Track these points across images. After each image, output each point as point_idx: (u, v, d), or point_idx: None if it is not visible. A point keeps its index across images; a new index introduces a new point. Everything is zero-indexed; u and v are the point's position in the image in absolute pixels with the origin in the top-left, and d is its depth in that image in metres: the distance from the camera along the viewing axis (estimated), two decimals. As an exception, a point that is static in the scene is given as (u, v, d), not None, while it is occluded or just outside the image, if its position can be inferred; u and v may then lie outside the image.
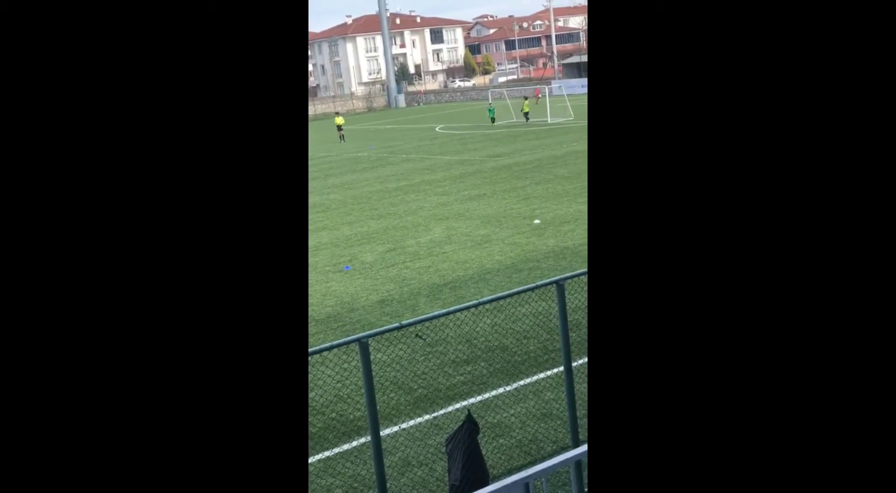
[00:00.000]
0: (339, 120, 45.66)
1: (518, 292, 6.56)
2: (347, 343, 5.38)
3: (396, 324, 5.52)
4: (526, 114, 42.19)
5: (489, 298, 6.46)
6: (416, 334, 8.47)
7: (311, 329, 10.80)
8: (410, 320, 5.81)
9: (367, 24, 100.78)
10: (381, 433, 6.08)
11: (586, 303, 8.13)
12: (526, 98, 45.57)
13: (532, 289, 6.53)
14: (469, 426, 5.70)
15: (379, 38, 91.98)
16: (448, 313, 6.43)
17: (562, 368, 7.79)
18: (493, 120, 42.17)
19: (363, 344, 5.27)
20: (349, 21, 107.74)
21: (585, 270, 7.41)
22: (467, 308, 6.39)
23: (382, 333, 5.71)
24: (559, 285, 5.95)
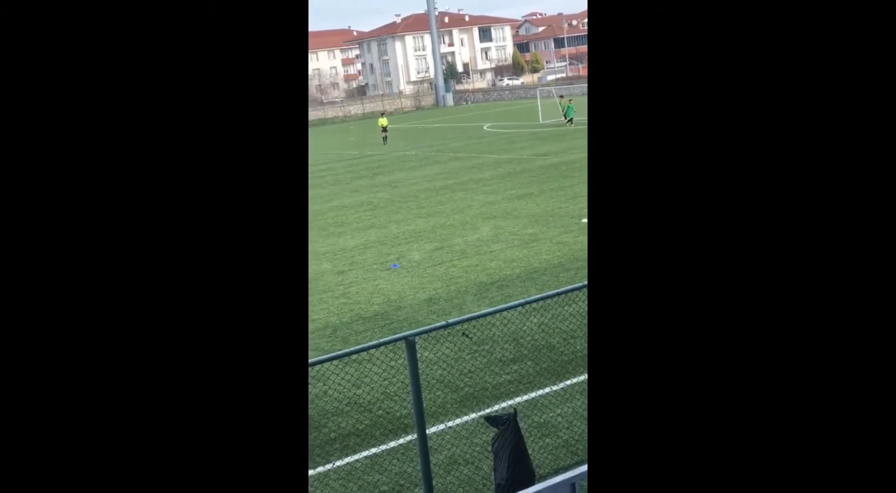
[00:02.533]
0: (384, 121, 44.44)
1: (566, 292, 6.53)
2: (394, 341, 5.40)
3: (443, 322, 5.53)
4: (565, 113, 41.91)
5: (536, 297, 6.44)
6: (463, 332, 8.48)
7: (360, 327, 10.87)
8: (457, 319, 5.81)
9: (416, 23, 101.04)
10: (428, 431, 6.10)
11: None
12: (563, 96, 45.22)
13: (580, 288, 6.49)
14: (515, 425, 5.69)
15: (427, 37, 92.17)
16: (495, 312, 6.42)
17: (609, 368, 7.69)
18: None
19: (410, 342, 5.29)
20: (398, 20, 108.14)
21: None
22: (514, 307, 6.37)
23: (429, 331, 5.73)
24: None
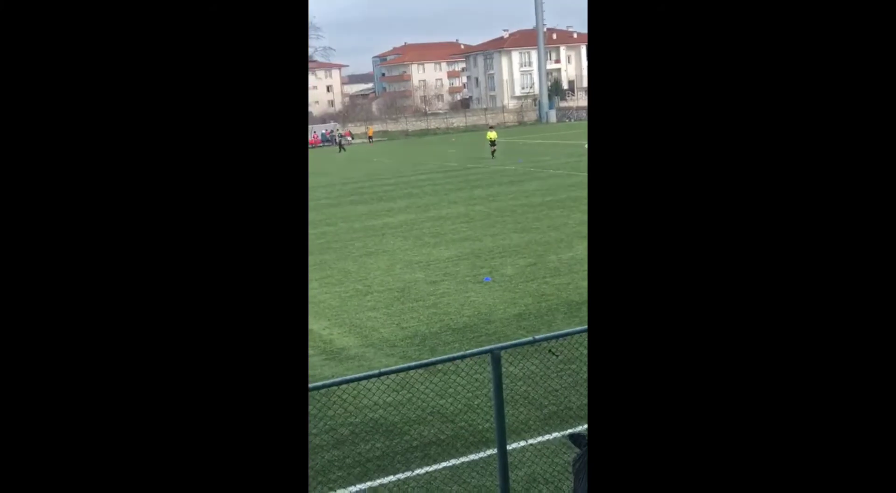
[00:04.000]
0: (492, 135, 43.56)
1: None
2: (480, 354, 5.41)
3: (530, 338, 5.50)
4: None
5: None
6: (549, 350, 8.42)
7: (448, 338, 10.92)
8: (544, 335, 5.77)
9: (523, 39, 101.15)
10: (509, 447, 6.07)
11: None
12: None
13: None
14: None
15: (534, 53, 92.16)
16: (585, 331, 6.35)
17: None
18: None
19: (495, 356, 5.28)
20: (505, 35, 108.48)
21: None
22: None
23: (515, 346, 5.71)
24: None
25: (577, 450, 5.80)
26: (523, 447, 7.24)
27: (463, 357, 5.30)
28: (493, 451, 6.98)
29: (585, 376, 8.83)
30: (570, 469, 5.99)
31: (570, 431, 7.50)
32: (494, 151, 41.38)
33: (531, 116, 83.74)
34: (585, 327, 6.40)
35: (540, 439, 7.48)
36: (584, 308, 11.84)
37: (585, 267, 14.46)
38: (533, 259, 15.56)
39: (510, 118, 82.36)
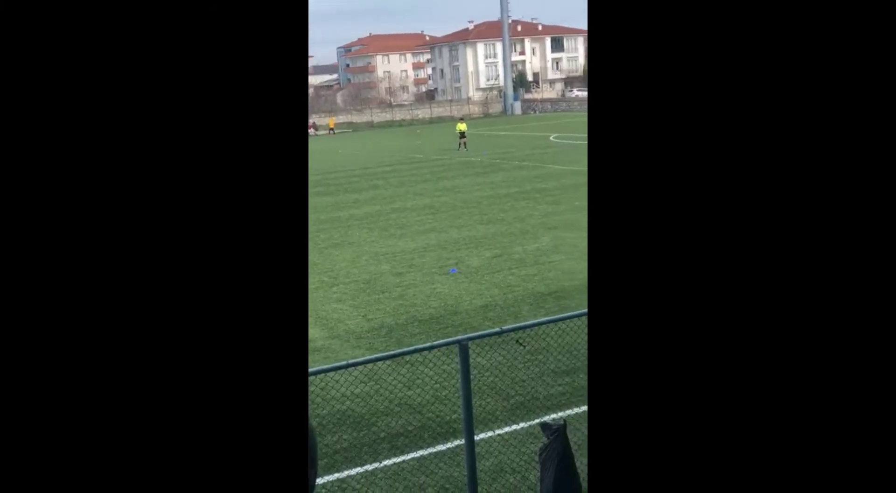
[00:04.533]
0: (462, 126, 42.74)
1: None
2: (448, 344, 5.42)
3: (497, 329, 5.53)
4: None
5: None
6: (517, 341, 8.46)
7: (415, 329, 10.92)
8: (512, 326, 5.80)
9: (489, 30, 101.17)
10: (476, 438, 6.09)
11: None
12: None
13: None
14: (564, 436, 5.65)
15: (499, 45, 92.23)
16: (551, 322, 6.39)
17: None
18: None
19: (463, 346, 5.30)
20: (470, 26, 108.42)
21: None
22: (571, 318, 6.33)
23: (483, 336, 5.73)
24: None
25: (544, 440, 5.85)
26: (490, 437, 7.28)
27: (431, 348, 5.31)
28: (460, 441, 7.00)
29: (552, 366, 8.89)
30: (537, 459, 6.03)
31: (539, 420, 7.55)
32: (465, 142, 41.02)
33: (496, 107, 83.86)
34: (552, 317, 6.44)
35: (507, 429, 7.52)
36: (550, 299, 11.90)
37: (551, 258, 14.55)
38: (499, 251, 15.61)
39: (475, 110, 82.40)
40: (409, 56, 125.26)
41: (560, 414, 7.68)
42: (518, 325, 5.94)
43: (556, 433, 5.59)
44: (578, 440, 6.90)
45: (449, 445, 7.23)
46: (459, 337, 5.40)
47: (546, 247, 15.67)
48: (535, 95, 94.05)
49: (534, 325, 5.98)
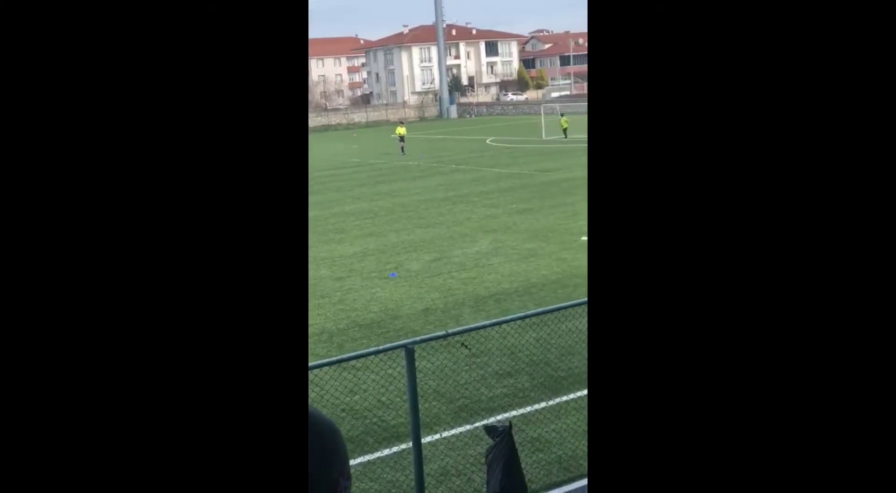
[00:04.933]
0: (402, 130, 42.20)
1: (566, 307, 6.55)
2: (393, 349, 5.41)
3: (443, 332, 5.54)
4: (565, 130, 41.94)
5: (536, 311, 6.46)
6: (462, 344, 8.49)
7: (356, 334, 10.87)
8: (457, 329, 5.82)
9: (423, 34, 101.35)
10: (421, 441, 6.09)
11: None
12: (563, 114, 45.39)
13: (579, 305, 6.51)
14: (510, 437, 5.69)
15: (434, 49, 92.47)
16: (495, 324, 6.43)
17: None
18: None
19: (409, 350, 5.30)
20: (405, 30, 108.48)
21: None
22: (514, 320, 6.39)
23: (429, 340, 5.74)
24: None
25: (490, 441, 5.87)
26: (435, 440, 7.29)
27: (376, 353, 5.30)
28: (405, 445, 6.99)
29: (494, 368, 8.94)
30: (484, 461, 6.06)
31: (483, 422, 7.58)
32: (403, 146, 40.80)
33: (432, 111, 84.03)
34: (496, 320, 6.49)
35: (451, 432, 7.54)
36: (491, 302, 11.97)
37: (490, 261, 14.64)
38: (438, 254, 15.64)
39: (411, 114, 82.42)
40: (343, 60, 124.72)
41: (504, 416, 7.72)
42: (464, 328, 5.96)
43: (502, 434, 5.63)
44: (521, 441, 6.95)
45: (394, 449, 7.21)
46: (405, 341, 5.40)
47: (485, 250, 15.76)
48: (470, 98, 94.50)
49: (479, 328, 6.01)
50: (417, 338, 5.63)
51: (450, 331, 5.61)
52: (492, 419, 7.63)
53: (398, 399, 7.72)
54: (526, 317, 6.27)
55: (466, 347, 8.44)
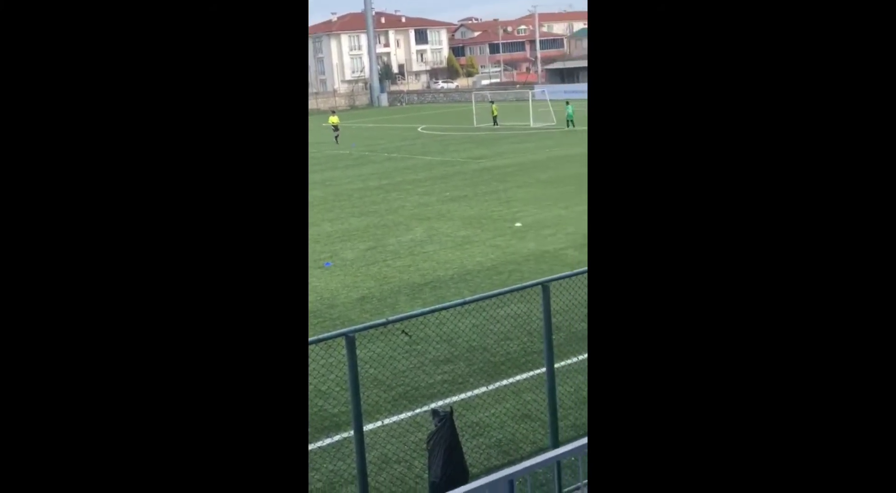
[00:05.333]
0: (334, 119, 41.59)
1: (503, 293, 6.60)
2: (334, 337, 5.39)
3: (383, 319, 5.54)
4: (495, 118, 42.13)
5: (474, 297, 6.50)
6: (403, 331, 8.50)
7: (291, 324, 10.78)
8: (398, 316, 5.82)
9: (352, 22, 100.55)
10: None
11: (568, 305, 8.18)
12: (493, 102, 45.59)
13: (518, 290, 6.58)
14: (451, 423, 5.73)
15: (363, 37, 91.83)
16: (432, 311, 6.46)
17: (541, 369, 7.83)
18: (571, 123, 36.97)
19: (349, 338, 5.29)
20: (334, 18, 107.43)
21: (569, 273, 7.46)
22: (452, 307, 6.42)
23: (369, 328, 5.73)
24: (544, 286, 6.00)
25: (431, 427, 5.91)
26: (375, 428, 7.29)
27: (316, 342, 5.27)
28: (344, 435, 6.98)
29: (433, 356, 8.97)
30: (426, 446, 6.09)
31: (422, 409, 7.61)
32: (338, 136, 40.16)
33: (363, 99, 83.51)
34: (435, 307, 6.51)
35: (390, 420, 7.55)
36: (427, 289, 12.00)
37: (425, 249, 14.65)
38: (373, 243, 15.60)
39: (342, 102, 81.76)
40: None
41: (443, 402, 7.77)
42: (403, 315, 5.97)
43: (444, 419, 5.67)
44: (461, 427, 7.01)
45: (333, 439, 7.19)
46: (345, 329, 5.39)
47: (419, 238, 15.78)
48: (401, 86, 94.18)
49: (419, 314, 6.03)
50: (358, 326, 5.62)
51: (390, 318, 5.62)
52: (430, 406, 7.67)
53: (337, 388, 7.70)
54: (466, 303, 6.31)
55: (407, 334, 8.46)
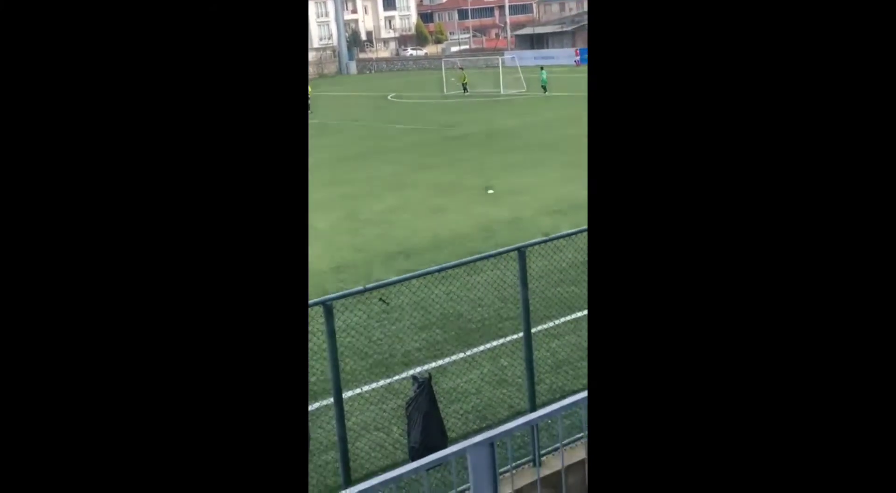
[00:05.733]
0: (308, 89, 42.30)
1: (480, 259, 6.64)
2: (312, 306, 5.39)
3: (361, 287, 5.56)
4: (465, 85, 41.96)
5: (451, 263, 6.52)
6: (381, 298, 8.52)
7: (265, 294, 10.76)
8: (374, 284, 5.84)
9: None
10: (340, 397, 6.12)
11: (542, 271, 8.24)
12: (462, 68, 45.38)
13: (494, 256, 6.61)
14: (429, 389, 5.78)
15: (330, 3, 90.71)
16: (409, 279, 6.47)
17: (515, 335, 7.91)
18: (545, 88, 37.33)
19: (327, 307, 5.30)
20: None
21: (543, 238, 7.50)
22: (428, 273, 6.44)
23: (346, 296, 5.75)
24: (521, 252, 6.04)
25: (410, 394, 5.96)
26: (352, 396, 7.33)
27: (294, 311, 5.28)
28: (322, 403, 7.02)
29: (407, 323, 9.01)
30: (404, 413, 6.15)
31: (399, 376, 7.67)
32: (309, 105, 39.87)
33: (331, 68, 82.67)
34: (412, 273, 6.53)
35: (367, 387, 7.59)
36: (400, 257, 12.02)
37: (398, 217, 14.63)
38: (345, 212, 15.56)
39: (310, 71, 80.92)
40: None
41: (419, 369, 7.82)
42: (381, 282, 5.98)
43: (423, 385, 5.72)
44: (437, 393, 7.07)
45: (314, 406, 7.23)
46: (323, 298, 5.40)
47: (392, 206, 15.76)
48: (369, 54, 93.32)
49: (396, 282, 6.05)
50: (335, 294, 5.64)
51: (368, 285, 5.63)
52: (406, 373, 7.72)
53: (313, 357, 7.72)
54: (443, 269, 6.34)
55: (385, 301, 8.48)
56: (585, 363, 4.04)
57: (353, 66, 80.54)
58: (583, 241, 7.42)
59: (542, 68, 40.33)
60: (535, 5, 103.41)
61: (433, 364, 8.03)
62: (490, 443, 3.85)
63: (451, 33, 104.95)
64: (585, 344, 3.96)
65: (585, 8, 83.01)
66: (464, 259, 7.27)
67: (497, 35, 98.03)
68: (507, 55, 59.26)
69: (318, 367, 7.48)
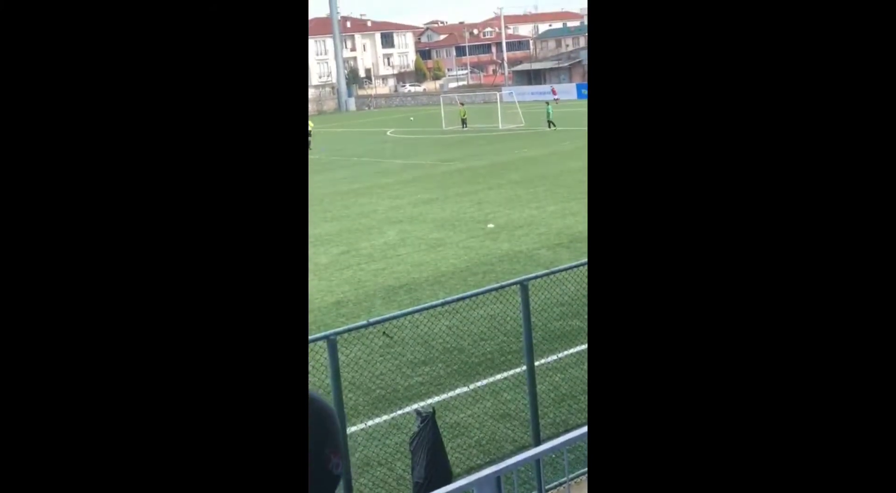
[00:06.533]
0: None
1: (481, 293, 6.65)
2: (315, 341, 5.40)
3: (364, 322, 5.56)
4: (464, 120, 42.25)
5: (452, 298, 6.53)
6: (384, 332, 8.51)
7: (267, 330, 10.74)
8: (377, 318, 5.84)
9: (318, 27, 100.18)
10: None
11: (544, 305, 8.24)
12: (462, 104, 45.80)
13: (495, 290, 6.62)
14: (433, 424, 5.76)
15: (329, 41, 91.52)
16: (411, 313, 6.48)
17: (518, 369, 7.90)
18: (550, 123, 37.20)
19: (331, 342, 5.30)
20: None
21: (545, 271, 7.52)
22: (430, 308, 6.46)
23: (350, 330, 5.75)
24: (523, 285, 6.05)
25: (414, 428, 5.94)
26: (355, 431, 7.30)
27: (297, 346, 5.28)
28: (325, 438, 6.97)
29: (409, 358, 8.99)
30: (409, 448, 6.12)
31: (402, 411, 7.63)
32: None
33: (331, 104, 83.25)
34: (410, 309, 6.53)
35: (370, 423, 7.56)
36: (402, 292, 12.01)
37: (399, 252, 14.66)
38: (346, 247, 15.59)
39: (310, 107, 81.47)
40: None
41: (422, 404, 7.79)
42: (384, 316, 5.99)
43: (426, 420, 5.70)
44: (440, 428, 7.04)
45: (314, 443, 7.18)
46: (327, 332, 5.40)
47: (393, 241, 15.79)
48: (368, 91, 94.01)
49: (399, 316, 6.06)
50: (339, 329, 5.64)
51: (371, 320, 5.64)
52: (409, 408, 7.69)
53: (316, 392, 7.69)
54: (445, 304, 6.35)
55: (388, 336, 8.47)
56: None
57: (351, 103, 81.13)
58: (584, 274, 7.44)
59: (547, 103, 40.80)
60: (531, 42, 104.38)
61: (436, 398, 8.00)
62: (496, 478, 3.84)
63: (449, 70, 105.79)
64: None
65: (581, 44, 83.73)
66: (466, 293, 7.28)
67: (495, 71, 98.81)
68: (505, 91, 59.70)
69: (320, 402, 7.44)
